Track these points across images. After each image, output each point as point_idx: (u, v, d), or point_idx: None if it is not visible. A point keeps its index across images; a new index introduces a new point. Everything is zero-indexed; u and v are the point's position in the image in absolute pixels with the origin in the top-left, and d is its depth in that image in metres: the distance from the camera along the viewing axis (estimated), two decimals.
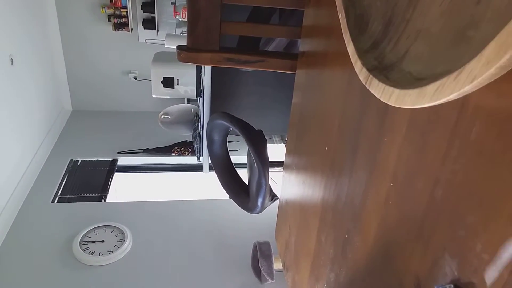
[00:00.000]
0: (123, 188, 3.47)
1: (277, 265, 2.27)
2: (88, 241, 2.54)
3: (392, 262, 0.52)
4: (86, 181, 3.26)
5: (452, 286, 0.38)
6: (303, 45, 0.96)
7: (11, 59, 2.91)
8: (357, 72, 0.44)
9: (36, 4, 3.52)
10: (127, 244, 2.55)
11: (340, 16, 0.51)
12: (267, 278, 2.25)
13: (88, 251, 2.47)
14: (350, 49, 0.47)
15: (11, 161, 2.85)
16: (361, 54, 0.44)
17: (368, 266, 0.59)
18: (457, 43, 0.31)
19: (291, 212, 1.07)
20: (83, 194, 3.10)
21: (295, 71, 1.03)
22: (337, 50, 0.73)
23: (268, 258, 2.26)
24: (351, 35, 0.48)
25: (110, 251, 2.49)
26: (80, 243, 2.51)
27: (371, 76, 0.40)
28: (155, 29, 3.88)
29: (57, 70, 4.02)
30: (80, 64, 4.08)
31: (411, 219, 0.48)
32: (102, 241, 2.56)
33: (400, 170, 0.50)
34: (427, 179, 0.45)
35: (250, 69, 1.16)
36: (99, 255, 2.46)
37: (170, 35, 3.42)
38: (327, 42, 0.78)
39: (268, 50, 1.49)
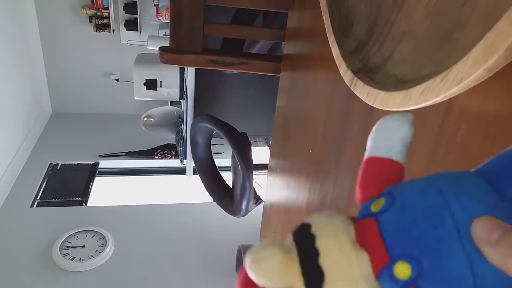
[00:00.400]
0: (105, 192, 3.42)
1: None
2: (68, 247, 2.49)
3: None
4: (66, 185, 3.20)
5: None
6: (287, 48, 0.95)
7: None
8: (341, 74, 0.43)
9: (15, 4, 3.44)
10: (109, 249, 2.51)
11: (324, 18, 0.51)
12: None
13: (69, 256, 2.42)
14: (335, 51, 0.46)
15: None
16: (345, 56, 0.44)
17: None
18: (443, 45, 0.31)
19: (276, 215, 1.06)
20: (63, 199, 3.04)
21: (279, 74, 1.03)
22: (322, 52, 0.72)
23: None
24: (335, 37, 0.47)
25: (91, 257, 2.44)
26: (60, 249, 2.45)
27: (356, 78, 0.40)
28: (137, 30, 3.84)
29: (37, 71, 3.94)
30: (60, 65, 4.01)
31: None
32: (83, 246, 2.51)
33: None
34: None
35: (234, 71, 1.15)
36: (79, 260, 2.41)
37: (153, 37, 3.39)
38: (311, 44, 0.78)
39: (252, 52, 1.49)
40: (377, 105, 0.36)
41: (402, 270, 0.21)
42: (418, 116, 0.43)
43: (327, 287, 0.23)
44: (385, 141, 0.28)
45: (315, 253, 0.23)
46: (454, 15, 0.30)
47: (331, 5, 0.50)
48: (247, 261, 0.23)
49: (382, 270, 0.22)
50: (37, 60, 3.91)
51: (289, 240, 0.25)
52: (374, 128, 0.28)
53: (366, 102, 0.38)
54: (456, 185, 0.23)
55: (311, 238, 0.24)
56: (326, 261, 0.23)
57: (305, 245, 0.24)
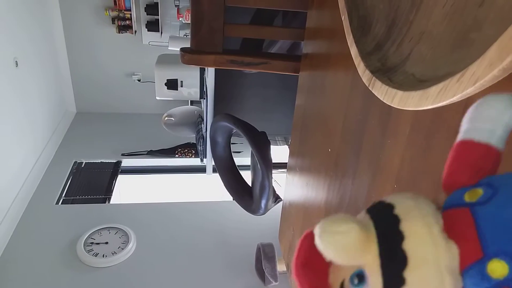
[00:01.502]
0: (127, 190, 3.48)
1: (280, 267, 2.26)
2: (92, 243, 2.55)
3: None
4: (90, 183, 3.27)
5: None
6: (306, 47, 0.96)
7: (16, 61, 2.93)
8: (360, 74, 0.44)
9: (41, 6, 3.54)
10: (131, 246, 2.56)
11: (343, 18, 0.51)
12: (271, 280, 2.25)
13: (92, 252, 2.48)
14: (353, 51, 0.47)
15: (15, 163, 2.87)
16: (364, 56, 0.44)
17: None
18: (460, 45, 0.31)
19: (295, 213, 1.07)
20: (87, 196, 3.11)
21: (298, 73, 1.03)
22: (340, 52, 0.73)
23: (271, 260, 2.25)
24: (354, 37, 0.48)
25: (114, 253, 2.50)
26: (84, 245, 2.51)
27: (374, 78, 0.40)
28: (158, 31, 3.89)
29: (62, 72, 4.04)
30: (84, 66, 4.10)
31: None
32: (106, 243, 2.57)
33: (404, 172, 0.50)
34: (431, 181, 0.45)
35: (254, 71, 1.16)
36: (103, 256, 2.46)
37: (174, 37, 3.43)
38: (330, 44, 0.79)
39: (271, 52, 1.50)
40: (395, 104, 0.37)
41: (498, 268, 0.19)
42: (437, 115, 0.43)
43: (409, 274, 0.21)
44: (486, 123, 0.24)
45: (399, 237, 0.22)
46: (471, 15, 0.31)
47: (350, 5, 0.51)
48: (319, 232, 0.22)
49: (471, 265, 0.20)
50: (62, 61, 4.00)
51: (364, 218, 0.24)
52: (473, 106, 0.25)
53: (384, 101, 0.38)
54: None
55: (395, 220, 0.22)
56: (411, 246, 0.21)
57: (387, 226, 0.22)
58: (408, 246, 0.21)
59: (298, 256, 0.25)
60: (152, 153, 3.65)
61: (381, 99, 0.39)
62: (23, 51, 3.08)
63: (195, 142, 3.41)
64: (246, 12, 1.31)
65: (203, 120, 3.15)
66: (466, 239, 0.21)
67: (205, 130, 3.08)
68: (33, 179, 3.06)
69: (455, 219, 0.22)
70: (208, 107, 2.54)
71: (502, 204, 0.21)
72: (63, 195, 3.05)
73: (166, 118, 3.25)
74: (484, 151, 0.24)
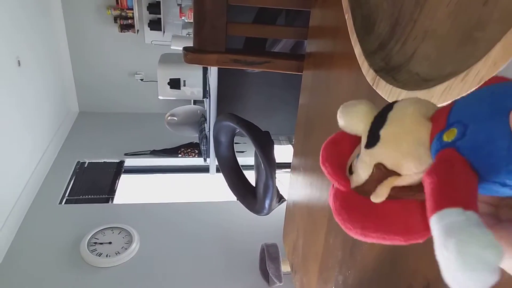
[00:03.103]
0: (130, 190, 3.49)
1: (285, 268, 2.26)
2: (95, 243, 2.56)
3: (401, 265, 0.51)
4: (93, 183, 3.28)
5: None
6: (310, 46, 0.96)
7: (18, 60, 2.94)
8: (364, 73, 0.44)
9: (43, 6, 3.55)
10: (134, 246, 2.56)
11: (346, 17, 0.51)
12: (275, 280, 2.24)
13: (96, 252, 2.49)
14: (357, 50, 0.47)
15: (18, 162, 2.88)
16: (368, 55, 0.44)
17: (376, 269, 0.58)
18: (464, 44, 0.31)
19: (299, 214, 1.07)
20: (91, 196, 3.12)
21: (301, 72, 1.03)
22: (344, 51, 0.72)
23: (275, 261, 2.25)
24: (357, 36, 0.47)
25: (117, 253, 2.50)
26: (87, 245, 2.52)
27: (378, 77, 0.40)
28: (161, 30, 3.90)
29: (64, 71, 4.05)
30: (86, 65, 4.11)
31: None
32: (110, 243, 2.57)
33: None
34: None
35: (257, 70, 1.16)
36: (106, 256, 2.47)
37: (176, 36, 3.43)
38: (334, 42, 0.78)
39: (274, 51, 1.49)
40: None
41: (450, 134, 0.24)
42: None
43: (386, 130, 0.26)
44: None
45: (387, 108, 0.27)
46: (475, 14, 0.30)
47: (353, 4, 0.51)
48: (340, 109, 0.30)
49: (436, 135, 0.25)
50: (64, 61, 4.01)
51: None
52: None
53: (388, 101, 0.38)
54: None
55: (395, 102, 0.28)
56: (393, 113, 0.27)
57: (387, 105, 0.28)
58: (393, 112, 0.27)
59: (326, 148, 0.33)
60: (155, 153, 3.66)
61: (385, 98, 0.39)
62: (26, 50, 3.09)
63: (198, 141, 3.41)
64: (249, 11, 1.31)
65: (206, 119, 3.16)
66: (438, 121, 0.25)
67: (208, 130, 3.08)
68: (36, 179, 3.07)
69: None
70: (211, 107, 2.54)
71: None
72: (67, 195, 3.06)
73: (169, 118, 3.26)
74: None
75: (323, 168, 0.31)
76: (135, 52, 4.11)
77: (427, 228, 0.25)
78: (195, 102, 4.04)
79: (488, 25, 0.29)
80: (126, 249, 2.53)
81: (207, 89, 2.94)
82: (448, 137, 0.24)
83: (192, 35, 1.07)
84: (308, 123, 0.96)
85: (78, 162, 3.46)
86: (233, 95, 2.52)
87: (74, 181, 3.24)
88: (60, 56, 3.94)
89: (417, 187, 0.27)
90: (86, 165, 3.47)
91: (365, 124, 0.29)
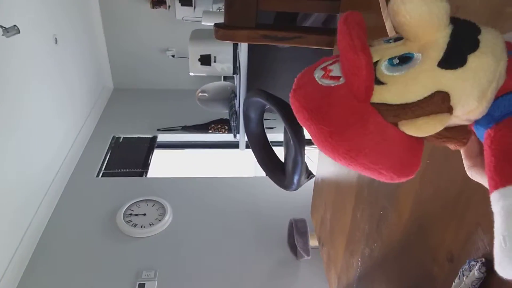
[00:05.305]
0: (163, 164, 3.58)
1: (312, 242, 2.29)
2: (131, 214, 2.66)
3: (426, 238, 0.52)
4: (128, 157, 3.38)
5: (484, 260, 0.39)
6: None
7: (55, 38, 3.02)
8: None
9: None
10: (167, 218, 2.65)
11: None
12: (303, 254, 2.28)
13: (131, 223, 2.59)
14: (388, 25, 0.46)
15: (57, 138, 3.00)
16: None
17: (402, 242, 0.59)
18: (495, 19, 0.31)
19: (327, 189, 1.08)
20: (126, 170, 3.22)
21: (333, 47, 1.02)
22: (376, 25, 0.72)
23: (304, 235, 2.28)
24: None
25: (151, 224, 2.60)
26: (123, 216, 2.63)
27: None
28: (192, 6, 3.89)
29: (99, 48, 4.13)
30: (120, 43, 4.17)
31: (446, 195, 0.48)
32: (144, 214, 2.67)
33: (437, 148, 0.50)
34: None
35: (287, 45, 1.16)
36: (141, 227, 2.57)
37: (207, 12, 3.43)
38: (366, 16, 0.77)
39: (305, 26, 1.48)
40: None
41: None
42: None
43: (473, 58, 0.22)
44: None
45: (476, 29, 0.23)
46: None
47: None
48: None
49: (506, 94, 0.22)
50: (99, 38, 4.09)
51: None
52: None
53: None
54: None
55: (477, 28, 0.23)
56: (486, 38, 0.22)
57: (466, 25, 0.24)
58: (484, 37, 0.22)
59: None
60: (186, 129, 3.72)
61: None
62: (62, 28, 3.17)
63: (228, 117, 3.44)
64: None
65: (236, 95, 3.17)
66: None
67: (238, 106, 3.10)
68: (74, 153, 3.20)
69: None
70: (241, 83, 2.55)
71: None
72: (103, 169, 3.17)
73: (199, 94, 3.29)
74: None
75: (362, 57, 0.25)
76: (167, 28, 4.13)
77: (417, 163, 0.23)
78: (225, 78, 4.05)
79: None
80: (160, 220, 2.62)
81: (237, 65, 2.95)
82: None
83: (223, 10, 1.07)
84: None
85: (114, 137, 3.57)
86: (263, 71, 2.51)
87: (110, 155, 3.35)
88: (95, 34, 4.02)
89: (453, 131, 0.23)
90: (121, 140, 3.57)
91: (443, 29, 0.23)
